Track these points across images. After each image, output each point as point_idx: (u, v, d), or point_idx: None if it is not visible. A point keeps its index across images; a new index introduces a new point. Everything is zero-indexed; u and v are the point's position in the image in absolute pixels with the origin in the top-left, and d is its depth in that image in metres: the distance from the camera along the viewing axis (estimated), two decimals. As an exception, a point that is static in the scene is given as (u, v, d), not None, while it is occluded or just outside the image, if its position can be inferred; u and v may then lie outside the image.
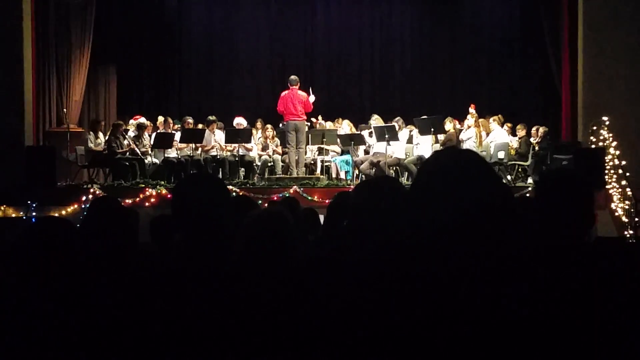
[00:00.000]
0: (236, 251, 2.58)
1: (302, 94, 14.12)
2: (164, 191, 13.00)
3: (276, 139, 15.47)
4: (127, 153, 14.23)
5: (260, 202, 10.71)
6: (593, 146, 13.42)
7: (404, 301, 1.67)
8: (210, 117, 15.23)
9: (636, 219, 12.07)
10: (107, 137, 14.58)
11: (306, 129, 14.49)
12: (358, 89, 19.65)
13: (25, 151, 13.61)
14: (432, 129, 13.93)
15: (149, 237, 4.95)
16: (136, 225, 4.12)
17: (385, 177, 9.61)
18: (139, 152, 14.32)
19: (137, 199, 12.92)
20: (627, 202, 12.46)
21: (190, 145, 14.65)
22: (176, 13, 19.54)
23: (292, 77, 14.34)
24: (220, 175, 14.15)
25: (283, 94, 14.21)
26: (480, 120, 14.59)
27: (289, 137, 14.07)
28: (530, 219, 2.58)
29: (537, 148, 14.65)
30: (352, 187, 12.64)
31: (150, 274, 2.66)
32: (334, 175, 14.88)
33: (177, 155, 14.70)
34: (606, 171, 12.89)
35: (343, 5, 19.60)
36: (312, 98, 14.31)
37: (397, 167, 14.44)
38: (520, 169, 14.67)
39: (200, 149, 14.77)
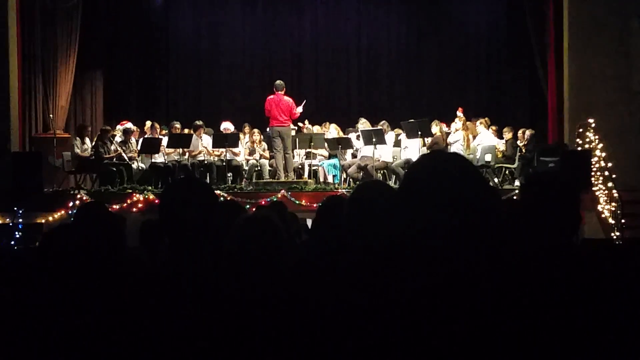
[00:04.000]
0: (225, 256, 2.58)
1: (288, 100, 14.10)
2: (151, 196, 12.97)
3: (263, 143, 15.46)
4: (114, 158, 14.19)
5: (248, 206, 10.72)
6: (579, 148, 13.49)
7: (392, 304, 1.67)
8: (197, 122, 15.20)
9: (622, 221, 12.13)
10: (94, 143, 14.54)
11: (292, 134, 14.47)
12: (345, 93, 19.66)
13: (11, 157, 13.54)
14: (419, 132, 13.95)
15: (137, 242, 4.94)
16: (124, 230, 4.11)
17: (381, 182, 9.61)
18: (126, 158, 14.28)
19: (125, 204, 12.89)
20: (613, 203, 12.52)
21: (178, 150, 14.63)
22: (163, 18, 19.51)
23: (278, 82, 14.31)
24: (207, 180, 14.13)
25: (269, 97, 14.19)
26: (467, 123, 14.65)
27: (274, 143, 14.06)
28: (517, 222, 2.59)
29: (523, 151, 14.71)
30: (340, 191, 12.66)
31: (139, 279, 2.66)
32: (321, 179, 14.88)
33: (164, 161, 14.67)
34: (592, 173, 12.96)
35: (330, 9, 19.61)
36: (299, 109, 14.26)
37: (385, 171, 14.46)
38: (507, 172, 14.73)
39: (187, 153, 14.74)
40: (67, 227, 3.20)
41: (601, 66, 14.01)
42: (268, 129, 15.68)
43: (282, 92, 14.10)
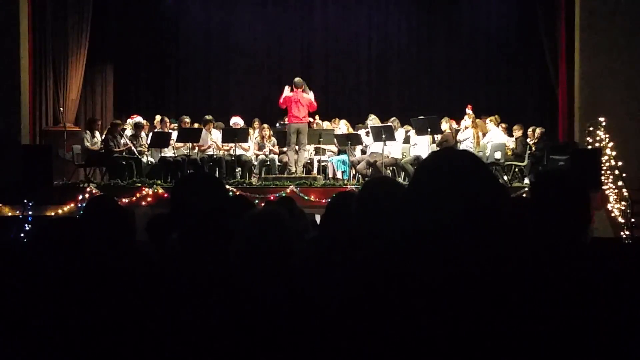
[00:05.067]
0: (234, 251, 2.58)
1: (307, 96, 14.14)
2: (160, 190, 13.01)
3: (273, 138, 15.46)
4: (124, 152, 14.23)
5: (257, 201, 10.72)
6: (589, 147, 13.43)
7: (401, 301, 1.67)
8: (207, 117, 15.22)
9: (632, 220, 12.09)
10: (104, 136, 14.58)
11: (307, 130, 14.49)
12: (355, 89, 19.64)
13: (21, 150, 13.59)
14: (429, 129, 13.94)
15: (146, 236, 4.94)
16: (133, 224, 4.12)
17: (389, 178, 9.62)
18: (135, 152, 14.31)
19: (134, 198, 12.93)
20: (623, 202, 12.47)
21: (187, 144, 14.65)
22: (174, 12, 19.52)
23: (297, 79, 14.29)
24: (217, 175, 14.14)
25: (288, 95, 14.19)
26: (477, 120, 14.61)
27: (289, 139, 14.09)
28: (527, 220, 2.58)
29: (533, 148, 14.66)
30: (348, 187, 12.66)
31: (148, 273, 2.66)
32: (330, 175, 14.89)
33: (173, 155, 14.69)
34: (602, 172, 12.90)
35: (340, 5, 19.58)
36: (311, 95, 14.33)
37: (394, 167, 14.44)
38: (516, 170, 14.68)
39: (196, 148, 14.76)
40: (70, 220, 3.20)
41: (612, 64, 13.95)
42: (278, 124, 15.70)
43: (301, 89, 14.12)
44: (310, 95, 14.23)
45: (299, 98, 14.03)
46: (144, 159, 14.59)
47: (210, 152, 14.92)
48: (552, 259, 2.18)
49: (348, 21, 19.57)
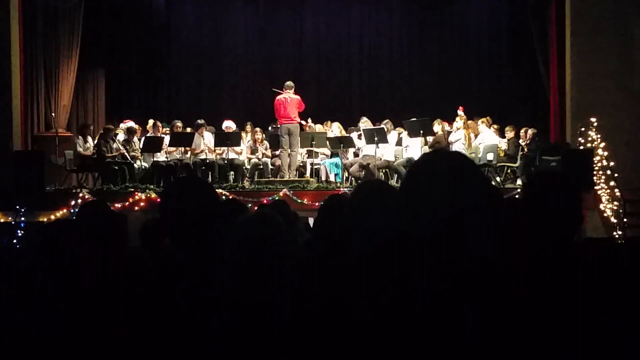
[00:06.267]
0: (227, 255, 2.58)
1: (296, 97, 14.17)
2: (153, 195, 12.98)
3: (265, 142, 15.46)
4: (117, 157, 14.19)
5: (250, 205, 10.72)
6: (581, 147, 13.47)
7: (394, 303, 1.67)
8: (199, 121, 15.19)
9: (625, 220, 12.13)
10: (96, 141, 14.54)
11: (299, 132, 14.50)
12: (347, 92, 19.66)
13: (13, 156, 13.55)
14: (421, 131, 13.96)
15: (139, 242, 4.93)
16: (125, 229, 4.11)
17: (381, 180, 9.62)
18: (128, 156, 14.28)
19: (127, 203, 12.90)
20: (615, 202, 12.52)
21: (180, 149, 14.62)
22: (165, 16, 19.51)
23: (288, 82, 14.37)
24: (209, 179, 14.12)
25: (278, 97, 14.22)
26: (469, 122, 14.64)
27: (282, 141, 14.10)
28: (519, 221, 2.59)
29: (525, 150, 14.69)
30: (341, 189, 12.66)
31: (140, 279, 2.65)
32: (323, 178, 14.87)
33: (166, 159, 14.67)
34: (595, 172, 12.94)
35: (332, 8, 19.61)
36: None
37: (387, 170, 14.45)
38: (509, 171, 14.71)
39: (189, 152, 14.74)
40: (65, 222, 3.20)
41: (603, 65, 14.00)
42: (270, 128, 15.71)
43: (292, 92, 14.16)
44: (298, 97, 14.28)
45: (288, 99, 14.05)
46: (137, 164, 14.57)
47: (202, 156, 14.89)
48: (545, 259, 2.18)
49: (339, 24, 19.60)
